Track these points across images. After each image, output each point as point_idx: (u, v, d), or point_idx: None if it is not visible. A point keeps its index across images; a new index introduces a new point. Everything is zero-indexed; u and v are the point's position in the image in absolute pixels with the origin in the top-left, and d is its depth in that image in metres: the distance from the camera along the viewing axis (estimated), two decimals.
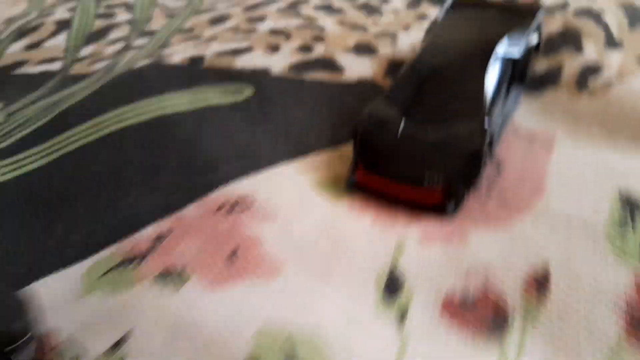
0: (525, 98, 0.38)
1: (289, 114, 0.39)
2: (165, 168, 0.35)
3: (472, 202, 0.32)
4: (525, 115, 0.37)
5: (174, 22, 0.52)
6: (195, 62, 0.44)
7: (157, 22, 0.53)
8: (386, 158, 0.32)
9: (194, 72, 0.43)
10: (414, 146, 0.31)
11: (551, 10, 0.43)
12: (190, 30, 0.50)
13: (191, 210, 0.32)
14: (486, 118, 0.32)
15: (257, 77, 0.42)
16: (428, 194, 0.31)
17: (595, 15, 0.41)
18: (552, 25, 0.42)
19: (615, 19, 0.41)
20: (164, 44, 0.48)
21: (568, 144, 0.34)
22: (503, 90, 0.35)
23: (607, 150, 0.33)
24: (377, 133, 0.32)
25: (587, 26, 0.41)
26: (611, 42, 0.39)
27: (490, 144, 0.32)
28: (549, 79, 0.39)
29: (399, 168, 0.32)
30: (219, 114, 0.39)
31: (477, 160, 0.31)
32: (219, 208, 0.32)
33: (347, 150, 0.36)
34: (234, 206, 0.32)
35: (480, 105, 0.32)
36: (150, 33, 0.51)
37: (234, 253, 0.29)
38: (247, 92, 0.41)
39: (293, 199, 0.33)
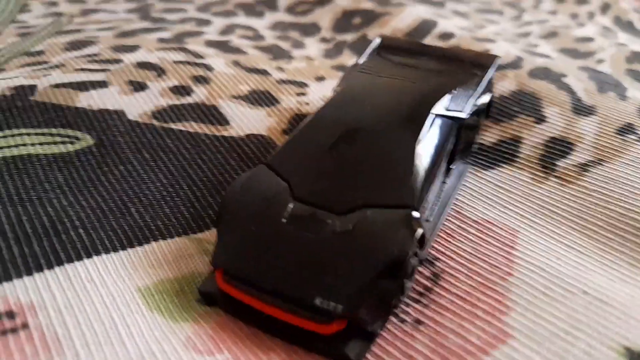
0: (470, 176, 0.28)
1: (136, 176, 0.27)
2: None
3: (390, 339, 0.20)
4: (473, 200, 0.26)
5: (23, 42, 0.39)
6: (22, 93, 0.31)
7: (3, 41, 0.40)
8: (260, 258, 0.20)
9: (17, 107, 0.30)
10: (304, 244, 0.20)
11: (502, 67, 0.33)
12: (39, 53, 0.37)
13: None
14: (416, 207, 0.21)
15: (104, 122, 0.29)
16: (321, 323, 0.19)
17: (555, 78, 0.32)
18: (504, 84, 0.32)
19: (580, 83, 0.32)
20: None
21: (537, 243, 0.24)
22: (442, 164, 0.24)
23: (588, 255, 0.23)
24: (249, 217, 0.21)
25: (547, 89, 0.31)
26: (580, 108, 0.30)
27: (422, 243, 0.21)
28: (503, 155, 0.29)
29: (278, 275, 0.20)
30: (31, 168, 0.26)
31: (399, 272, 0.19)
32: None
33: (212, 239, 0.24)
34: None
35: (407, 186, 0.21)
36: None
37: None
38: (84, 141, 0.28)
39: (103, 316, 0.20)
